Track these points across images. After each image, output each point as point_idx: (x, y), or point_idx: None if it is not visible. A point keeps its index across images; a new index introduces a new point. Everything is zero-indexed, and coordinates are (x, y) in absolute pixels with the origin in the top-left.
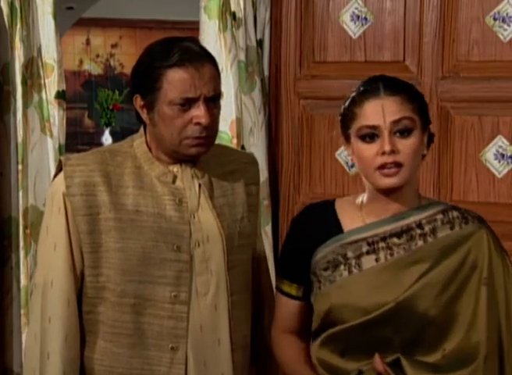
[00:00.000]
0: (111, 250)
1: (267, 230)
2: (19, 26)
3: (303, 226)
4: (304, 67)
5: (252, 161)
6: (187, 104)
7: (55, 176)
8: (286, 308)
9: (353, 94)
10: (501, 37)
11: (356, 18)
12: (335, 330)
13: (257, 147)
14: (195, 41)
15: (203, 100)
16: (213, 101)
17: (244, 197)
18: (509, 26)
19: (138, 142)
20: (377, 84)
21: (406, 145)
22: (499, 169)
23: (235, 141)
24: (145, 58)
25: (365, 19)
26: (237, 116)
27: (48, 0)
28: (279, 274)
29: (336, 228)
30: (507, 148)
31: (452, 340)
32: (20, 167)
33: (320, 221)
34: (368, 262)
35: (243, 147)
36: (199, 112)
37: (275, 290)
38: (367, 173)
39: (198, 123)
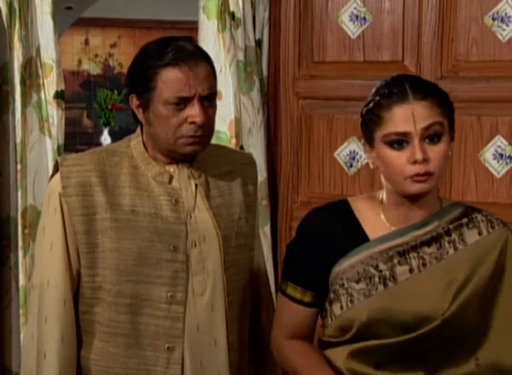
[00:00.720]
0: (107, 250)
1: (266, 230)
2: (17, 26)
3: (321, 231)
4: (302, 67)
5: (250, 161)
6: (182, 103)
7: (52, 176)
8: (296, 314)
9: (378, 97)
10: (500, 37)
11: (355, 18)
12: (371, 343)
13: (255, 147)
14: (190, 40)
15: (197, 99)
16: (208, 101)
17: (241, 197)
18: (507, 26)
19: (135, 142)
20: (404, 87)
21: (436, 152)
22: (497, 169)
23: (234, 140)
24: (140, 58)
25: (364, 19)
26: (236, 116)
27: (46, 0)
28: (288, 279)
29: (360, 234)
30: (506, 148)
31: (485, 348)
32: (19, 167)
33: (340, 225)
34: (403, 273)
35: (241, 147)
36: (194, 112)
37: (280, 295)
38: (395, 180)
39: (193, 122)
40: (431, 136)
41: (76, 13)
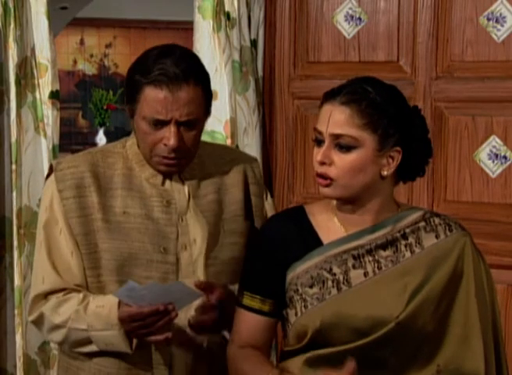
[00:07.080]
0: (99, 251)
1: None
2: (12, 25)
3: (275, 237)
4: (298, 67)
5: (253, 162)
6: (159, 124)
7: (47, 177)
8: (255, 325)
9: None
10: (494, 38)
11: (350, 18)
12: (326, 351)
13: (251, 147)
14: (184, 57)
15: (174, 123)
16: (188, 126)
17: (241, 196)
18: (502, 26)
19: (130, 143)
20: (341, 89)
21: (342, 159)
22: (492, 169)
23: (229, 141)
24: (132, 67)
25: (359, 19)
26: (231, 116)
27: (41, 0)
28: (246, 289)
29: (314, 239)
30: (501, 148)
31: (444, 354)
32: (14, 167)
33: (294, 231)
34: (357, 277)
35: (237, 147)
36: (167, 134)
37: (237, 307)
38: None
39: (166, 145)
40: (339, 145)
41: (71, 13)
